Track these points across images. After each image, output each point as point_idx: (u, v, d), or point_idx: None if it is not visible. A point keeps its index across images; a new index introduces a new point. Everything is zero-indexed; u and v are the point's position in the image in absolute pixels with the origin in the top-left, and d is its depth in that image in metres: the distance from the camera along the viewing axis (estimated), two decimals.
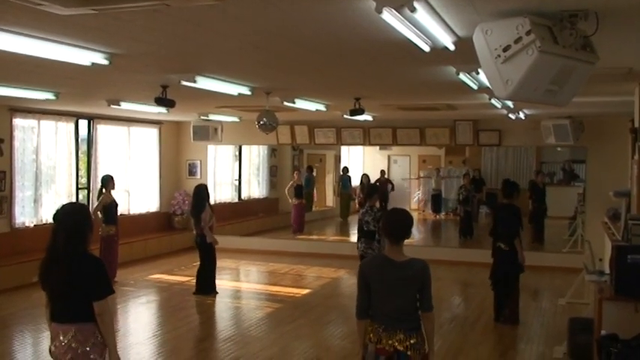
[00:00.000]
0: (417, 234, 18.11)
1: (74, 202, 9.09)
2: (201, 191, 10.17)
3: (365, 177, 16.12)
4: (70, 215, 4.13)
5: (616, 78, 6.86)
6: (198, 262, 10.33)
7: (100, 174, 12.63)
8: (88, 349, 4.03)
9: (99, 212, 10.48)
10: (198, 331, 8.68)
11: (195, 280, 10.38)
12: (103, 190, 10.70)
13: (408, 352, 4.05)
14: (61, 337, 4.03)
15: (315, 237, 17.00)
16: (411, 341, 4.07)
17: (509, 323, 8.55)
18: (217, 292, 10.31)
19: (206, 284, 10.24)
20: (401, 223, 4.19)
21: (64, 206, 4.25)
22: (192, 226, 10.25)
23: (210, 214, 10.07)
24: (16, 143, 11.02)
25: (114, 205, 10.77)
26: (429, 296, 4.17)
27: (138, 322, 9.20)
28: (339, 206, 20.69)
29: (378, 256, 5.06)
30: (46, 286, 4.13)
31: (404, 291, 4.10)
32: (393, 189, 20.34)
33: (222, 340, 8.08)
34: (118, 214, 11.03)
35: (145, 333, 8.53)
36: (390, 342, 4.07)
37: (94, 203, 11.71)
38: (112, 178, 10.83)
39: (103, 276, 4.12)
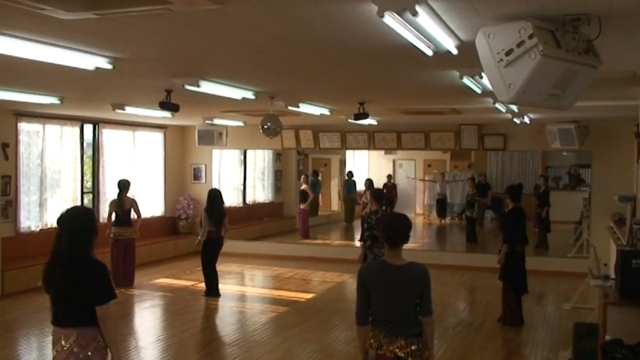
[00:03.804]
0: (421, 239, 18.10)
1: (79, 206, 9.11)
2: (218, 195, 10.56)
3: (368, 181, 16.12)
4: (74, 219, 4.12)
5: (620, 82, 6.84)
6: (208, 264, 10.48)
7: (106, 178, 12.80)
8: (89, 353, 4.02)
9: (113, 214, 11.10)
10: (203, 335, 8.68)
11: (206, 283, 10.56)
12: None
13: (409, 359, 4.03)
14: (63, 342, 4.03)
15: (319, 241, 16.99)
16: (412, 347, 4.04)
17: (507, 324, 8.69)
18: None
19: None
20: (399, 227, 4.17)
21: (68, 210, 4.25)
22: (209, 228, 10.26)
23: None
24: (22, 148, 11.05)
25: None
26: (429, 301, 4.14)
27: (142, 326, 9.21)
28: (343, 210, 20.71)
29: (377, 261, 5.05)
30: (49, 289, 4.13)
31: (403, 296, 4.08)
32: (396, 196, 20.38)
33: (227, 345, 8.08)
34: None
35: (149, 337, 8.53)
36: (390, 348, 4.05)
37: (102, 208, 12.11)
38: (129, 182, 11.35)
39: (106, 280, 4.11)
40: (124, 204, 11.06)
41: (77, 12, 3.70)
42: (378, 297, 4.12)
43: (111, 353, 4.12)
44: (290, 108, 9.43)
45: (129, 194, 11.30)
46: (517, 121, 11.44)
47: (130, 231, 11.15)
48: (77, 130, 12.26)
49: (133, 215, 11.30)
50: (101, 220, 11.84)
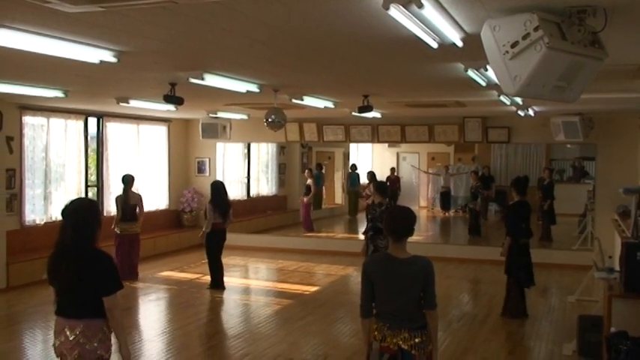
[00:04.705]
0: (425, 231, 18.11)
1: (82, 198, 9.09)
2: (221, 186, 10.60)
3: (370, 174, 16.14)
4: (78, 210, 4.11)
5: (626, 75, 6.82)
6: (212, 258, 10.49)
7: (111, 172, 12.82)
8: (95, 345, 4.03)
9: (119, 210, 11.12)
10: (207, 328, 8.71)
11: (211, 276, 10.57)
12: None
13: (413, 351, 4.03)
14: (68, 333, 4.04)
15: (323, 234, 17.01)
16: (416, 340, 4.05)
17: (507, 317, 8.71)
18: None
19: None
20: (404, 220, 4.16)
21: (72, 201, 4.23)
22: (214, 219, 10.26)
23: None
24: (26, 141, 11.07)
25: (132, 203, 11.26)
26: (433, 294, 4.13)
27: (147, 319, 9.25)
28: (347, 203, 20.73)
29: (381, 254, 5.05)
30: (54, 282, 4.14)
31: (407, 289, 4.08)
32: (399, 189, 20.41)
33: (231, 337, 8.10)
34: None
35: (154, 330, 8.56)
36: (394, 340, 4.06)
37: (107, 201, 12.19)
38: (133, 177, 11.35)
39: (112, 271, 4.12)
40: (129, 199, 11.08)
41: (82, 5, 3.70)
42: (382, 290, 4.12)
43: (119, 342, 4.13)
44: (294, 101, 9.42)
45: (134, 189, 11.31)
46: (521, 113, 11.41)
47: (136, 226, 11.17)
48: (81, 123, 12.27)
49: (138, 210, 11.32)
50: (105, 214, 11.88)
